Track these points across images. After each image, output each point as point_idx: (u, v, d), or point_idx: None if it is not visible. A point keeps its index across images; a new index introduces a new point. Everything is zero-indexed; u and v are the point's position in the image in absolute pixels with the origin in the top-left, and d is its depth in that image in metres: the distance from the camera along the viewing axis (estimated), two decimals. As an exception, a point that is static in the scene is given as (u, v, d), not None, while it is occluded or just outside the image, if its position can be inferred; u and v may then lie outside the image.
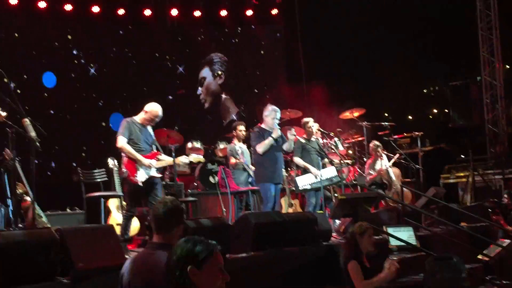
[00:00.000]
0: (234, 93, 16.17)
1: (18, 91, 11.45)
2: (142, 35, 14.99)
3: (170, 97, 14.26)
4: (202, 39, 15.82)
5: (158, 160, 8.11)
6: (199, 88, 15.75)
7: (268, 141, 9.53)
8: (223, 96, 16.06)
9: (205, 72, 15.90)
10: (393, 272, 6.56)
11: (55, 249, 5.02)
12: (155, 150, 8.20)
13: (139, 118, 8.08)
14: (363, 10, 15.60)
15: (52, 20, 13.53)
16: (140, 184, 7.84)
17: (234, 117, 15.80)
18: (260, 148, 9.55)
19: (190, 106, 15.13)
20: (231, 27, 16.18)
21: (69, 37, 13.83)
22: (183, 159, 8.78)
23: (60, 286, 4.97)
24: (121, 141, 7.88)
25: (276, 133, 9.56)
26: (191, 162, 9.11)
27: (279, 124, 9.83)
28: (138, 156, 7.86)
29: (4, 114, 6.34)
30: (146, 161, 7.88)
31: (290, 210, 11.04)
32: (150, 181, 7.95)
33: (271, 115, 9.73)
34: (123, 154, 8.00)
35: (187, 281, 2.91)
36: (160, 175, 8.09)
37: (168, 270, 2.97)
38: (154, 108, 8.07)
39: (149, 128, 8.18)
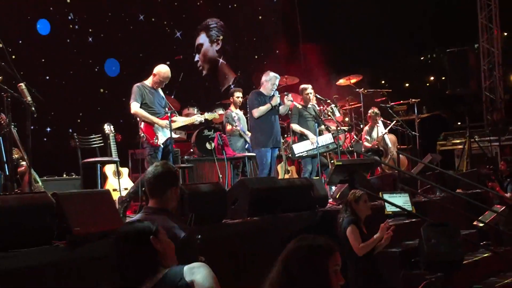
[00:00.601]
0: (231, 59, 16.08)
1: (14, 56, 11.37)
2: (138, 0, 14.86)
3: (168, 63, 14.19)
4: (199, 4, 15.68)
5: (173, 121, 8.16)
6: (196, 55, 15.67)
7: (266, 107, 9.53)
8: (220, 61, 15.97)
9: (202, 38, 15.79)
10: (386, 232, 6.64)
11: (51, 213, 5.01)
12: (168, 113, 8.22)
13: (149, 81, 8.15)
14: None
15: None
16: (161, 145, 7.96)
17: (231, 84, 15.75)
18: (257, 112, 9.55)
19: (187, 72, 15.08)
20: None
21: (68, 1, 13.69)
22: (197, 118, 8.82)
23: (57, 250, 4.98)
24: (134, 107, 7.97)
25: (275, 100, 9.57)
26: (206, 120, 9.14)
27: (276, 90, 9.83)
28: (154, 118, 7.98)
29: (-1, 78, 6.31)
30: (162, 122, 7.96)
31: (287, 177, 11.06)
32: (167, 143, 8.07)
33: (271, 80, 9.72)
34: (138, 119, 8.07)
35: (151, 252, 2.99)
36: (177, 136, 8.15)
37: (131, 248, 3.02)
38: (162, 70, 8.14)
39: (160, 91, 8.23)
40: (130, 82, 8.44)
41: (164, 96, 8.34)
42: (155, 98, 8.12)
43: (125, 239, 3.05)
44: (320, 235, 2.98)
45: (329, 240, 2.90)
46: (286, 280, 2.81)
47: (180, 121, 8.55)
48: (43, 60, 13.04)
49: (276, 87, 9.78)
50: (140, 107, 8.00)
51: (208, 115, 8.98)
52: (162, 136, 8.01)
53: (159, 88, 8.27)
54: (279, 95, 9.71)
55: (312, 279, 2.78)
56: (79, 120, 13.04)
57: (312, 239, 2.88)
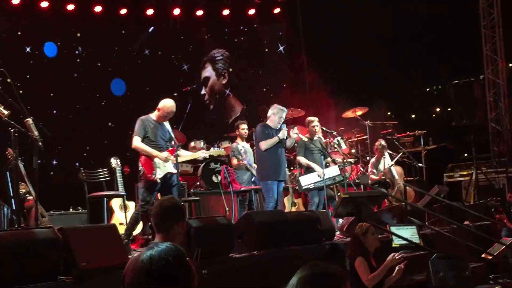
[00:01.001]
0: (238, 90, 16.13)
1: (21, 91, 11.45)
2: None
3: (175, 94, 14.29)
4: (204, 38, 15.80)
5: (178, 155, 8.12)
6: (203, 88, 15.72)
7: (274, 140, 9.52)
8: (227, 92, 16.00)
9: (208, 71, 15.85)
10: (398, 266, 6.60)
11: (58, 248, 5.01)
12: (172, 146, 8.18)
13: (154, 115, 8.12)
14: (366, 8, 15.57)
15: (55, 20, 13.55)
16: (158, 181, 7.87)
17: (239, 115, 15.80)
18: (264, 145, 9.54)
19: (195, 103, 15.17)
20: (233, 26, 16.16)
21: (78, 34, 13.85)
22: (201, 154, 8.77)
23: (63, 285, 4.97)
24: (135, 141, 7.95)
25: (283, 133, 9.57)
26: (211, 156, 9.08)
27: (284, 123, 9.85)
28: (154, 152, 7.89)
29: (6, 112, 6.35)
30: (162, 154, 7.89)
31: (293, 209, 11.03)
32: (167, 177, 7.97)
33: (278, 113, 9.73)
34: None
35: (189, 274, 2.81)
36: (176, 172, 8.05)
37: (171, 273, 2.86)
38: (166, 104, 8.09)
39: (166, 124, 8.20)
40: (137, 115, 8.46)
41: (170, 130, 8.29)
42: (158, 132, 8.08)
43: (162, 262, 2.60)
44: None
45: (340, 268, 2.85)
46: None
47: (184, 155, 8.50)
48: (51, 94, 13.16)
49: (283, 120, 9.80)
50: (143, 140, 7.97)
51: (213, 152, 8.87)
52: (160, 172, 7.93)
53: (166, 121, 8.24)
54: (286, 128, 9.71)
55: None
56: (85, 154, 13.09)
57: (323, 267, 2.83)
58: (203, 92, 15.70)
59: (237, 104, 16.12)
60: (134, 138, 7.94)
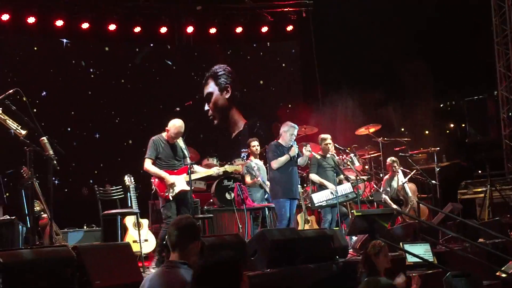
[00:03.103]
0: (242, 105, 16.16)
1: (35, 110, 11.55)
2: (159, 52, 15.13)
3: (178, 109, 14.46)
4: (217, 55, 15.89)
5: (192, 173, 8.24)
6: (206, 104, 15.73)
7: (285, 158, 9.56)
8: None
9: (211, 87, 15.87)
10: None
11: (72, 267, 5.04)
12: (186, 164, 8.30)
13: (165, 135, 8.26)
14: (378, 25, 15.58)
15: (69, 37, 13.72)
16: (171, 198, 8.06)
17: (242, 130, 15.85)
18: (276, 164, 9.57)
19: (199, 119, 15.21)
20: (246, 44, 16.23)
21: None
22: (216, 170, 8.89)
23: (77, 304, 4.99)
24: (146, 164, 8.20)
25: (293, 151, 9.61)
26: (225, 172, 9.19)
27: (294, 140, 9.87)
28: (163, 174, 8.07)
29: (24, 132, 6.42)
30: (170, 179, 8.02)
31: (306, 227, 11.02)
32: (180, 195, 8.13)
33: (290, 131, 9.76)
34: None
35: None
36: (188, 188, 8.17)
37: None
38: (175, 124, 8.26)
39: (180, 142, 8.34)
40: (151, 133, 8.55)
41: (183, 147, 8.41)
42: (170, 152, 8.23)
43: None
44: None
45: None
46: None
47: (199, 172, 8.61)
48: (72, 112, 13.29)
49: (294, 138, 9.82)
50: (156, 161, 8.12)
51: (228, 167, 9.00)
52: (172, 190, 8.07)
53: (179, 139, 8.36)
54: (297, 146, 9.74)
55: None
56: (95, 171, 13.16)
57: None
58: (206, 108, 15.72)
59: (240, 118, 16.13)
60: (145, 160, 8.16)
